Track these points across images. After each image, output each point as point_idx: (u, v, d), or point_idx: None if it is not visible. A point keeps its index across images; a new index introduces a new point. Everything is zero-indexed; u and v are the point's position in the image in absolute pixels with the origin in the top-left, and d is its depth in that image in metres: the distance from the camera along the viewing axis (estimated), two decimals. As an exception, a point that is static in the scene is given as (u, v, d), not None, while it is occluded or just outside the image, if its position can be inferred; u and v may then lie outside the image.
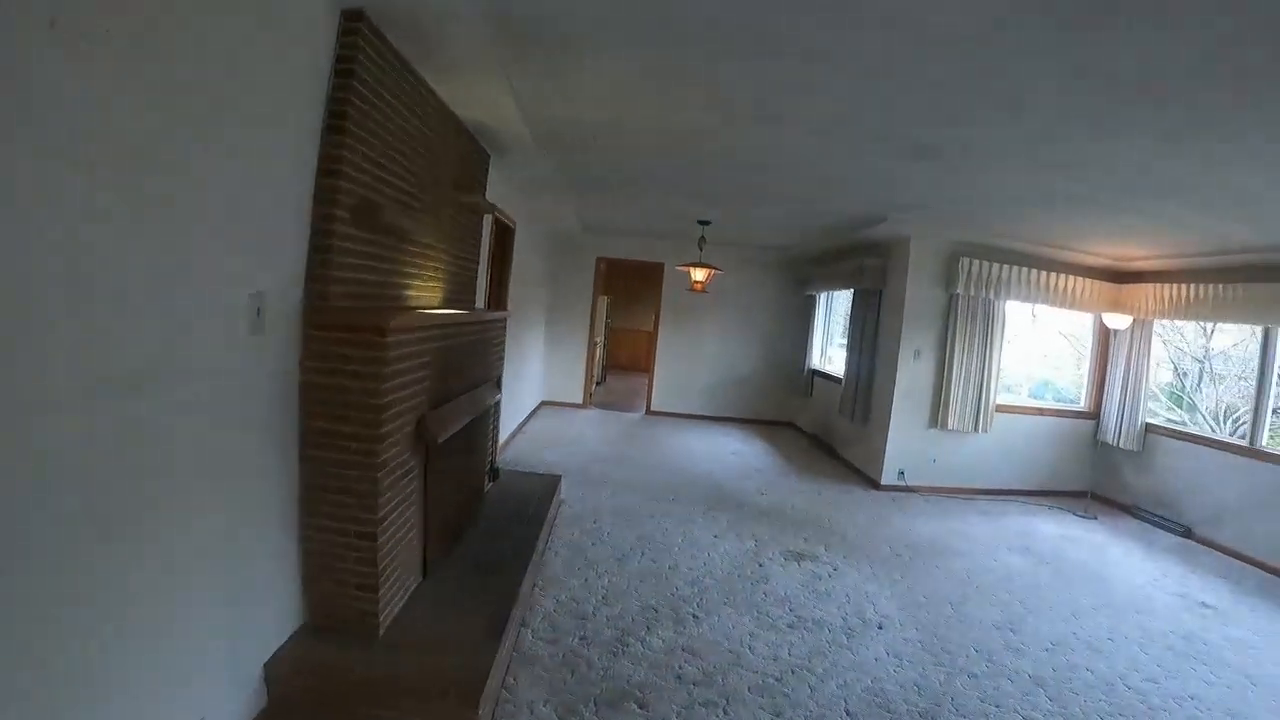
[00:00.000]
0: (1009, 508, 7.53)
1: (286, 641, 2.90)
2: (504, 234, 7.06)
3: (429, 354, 3.44)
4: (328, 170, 2.80)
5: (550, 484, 5.93)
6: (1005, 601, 4.95)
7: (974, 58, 2.95)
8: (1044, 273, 7.75)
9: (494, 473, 5.56)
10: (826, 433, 9.88)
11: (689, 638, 3.96)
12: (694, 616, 4.24)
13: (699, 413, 11.56)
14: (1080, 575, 5.68)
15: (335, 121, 2.82)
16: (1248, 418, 10.08)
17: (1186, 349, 10.16)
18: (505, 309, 6.85)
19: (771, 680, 3.58)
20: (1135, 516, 7.65)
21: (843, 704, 3.43)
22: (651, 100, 4.04)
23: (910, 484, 7.74)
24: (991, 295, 7.58)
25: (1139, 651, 4.38)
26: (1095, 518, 7.46)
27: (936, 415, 7.70)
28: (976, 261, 7.48)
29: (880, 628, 4.33)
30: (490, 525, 4.73)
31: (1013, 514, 7.31)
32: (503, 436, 7.49)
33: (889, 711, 3.40)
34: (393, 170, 3.34)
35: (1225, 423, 9.96)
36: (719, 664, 3.70)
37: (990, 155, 4.46)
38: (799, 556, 5.44)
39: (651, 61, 3.41)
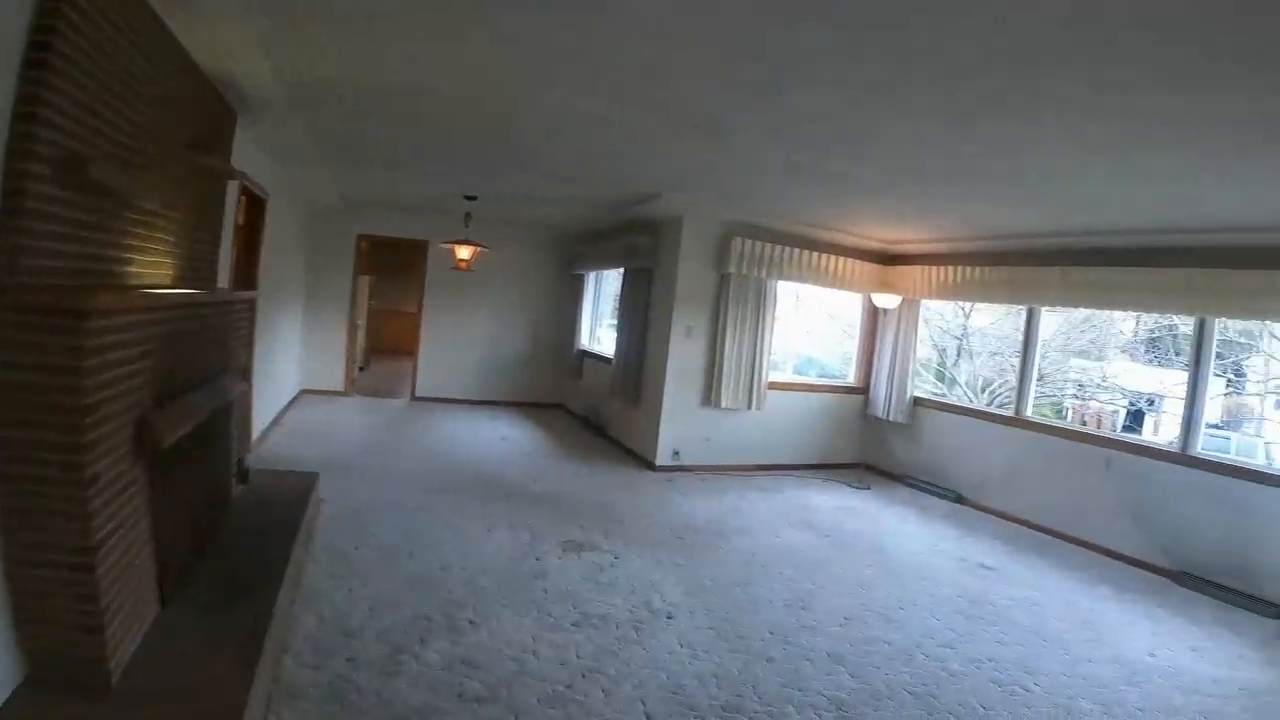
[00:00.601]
0: (785, 483, 7.87)
1: (4, 704, 2.36)
2: (255, 206, 6.40)
3: (152, 341, 2.92)
4: (24, 114, 2.24)
5: (308, 482, 5.40)
6: (792, 578, 5.10)
7: (751, 25, 2.89)
8: (816, 254, 8.14)
9: (243, 474, 4.97)
10: (597, 414, 9.93)
11: (468, 648, 3.69)
12: (471, 623, 3.97)
13: (467, 397, 11.31)
14: (862, 546, 6.00)
15: (37, 54, 2.26)
16: (1002, 390, 11.23)
17: (946, 327, 11.13)
18: (255, 289, 6.24)
19: (561, 688, 3.40)
20: (907, 485, 8.27)
21: (640, 706, 3.32)
22: (414, 58, 3.74)
23: (686, 464, 7.88)
24: (763, 275, 7.85)
25: (930, 618, 4.66)
26: (869, 488, 7.98)
27: (710, 394, 7.87)
28: (749, 241, 7.71)
29: (670, 617, 4.28)
30: (239, 536, 4.19)
31: (789, 489, 7.64)
32: (256, 431, 6.92)
33: (691, 709, 3.33)
34: (111, 120, 2.76)
35: (983, 394, 11.00)
36: (503, 675, 3.46)
37: (767, 130, 4.48)
38: (578, 547, 5.34)
39: (413, 12, 3.14)
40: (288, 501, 4.89)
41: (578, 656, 3.72)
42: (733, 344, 7.82)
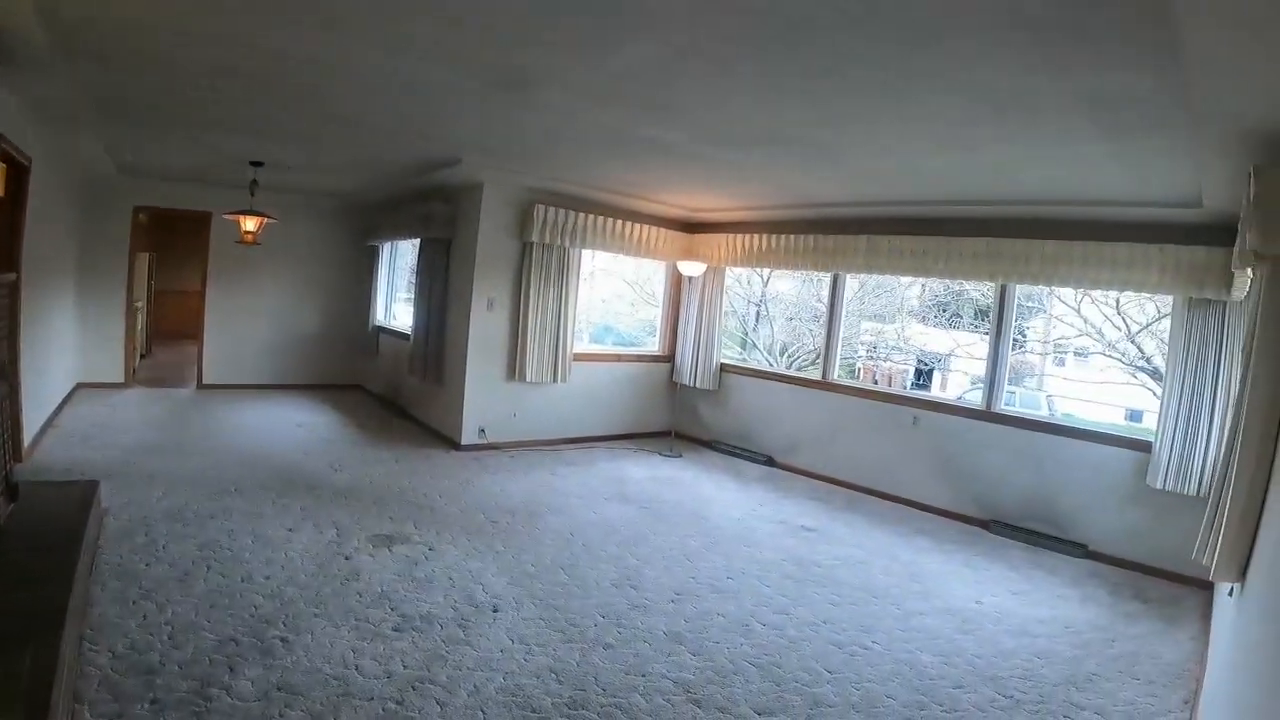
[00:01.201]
0: (596, 455, 7.85)
1: None
2: (17, 173, 5.40)
3: None
4: None
5: (87, 492, 4.64)
6: (617, 556, 5.06)
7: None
8: (620, 221, 8.13)
9: (11, 491, 4.20)
10: (397, 393, 9.57)
11: (283, 671, 3.29)
12: (283, 641, 3.56)
13: (259, 382, 10.51)
14: (682, 516, 6.06)
15: None
16: (800, 353, 11.84)
17: (746, 294, 11.55)
18: (15, 271, 5.49)
19: (392, 705, 3.10)
20: (718, 451, 8.47)
21: (480, 714, 3.11)
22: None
23: (493, 441, 7.70)
24: (566, 243, 7.74)
25: (760, 585, 4.76)
26: (681, 456, 8.09)
27: (514, 368, 7.72)
28: (552, 209, 7.57)
29: (496, 611, 4.09)
30: (9, 567, 3.47)
31: (601, 461, 7.62)
32: (27, 437, 6.06)
33: (533, 710, 3.16)
34: None
35: (782, 358, 11.54)
36: (326, 699, 3.10)
37: (578, 91, 4.28)
38: (389, 540, 5.01)
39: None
40: (66, 518, 4.15)
41: (404, 666, 3.44)
42: (536, 315, 7.69)
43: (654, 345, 9.37)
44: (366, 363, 10.87)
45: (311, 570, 4.45)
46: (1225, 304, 5.46)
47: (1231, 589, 3.49)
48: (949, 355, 12.46)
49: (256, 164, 7.56)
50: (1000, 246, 6.39)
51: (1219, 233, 5.28)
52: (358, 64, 4.09)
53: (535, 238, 7.52)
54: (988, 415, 6.79)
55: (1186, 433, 5.58)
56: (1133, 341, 9.47)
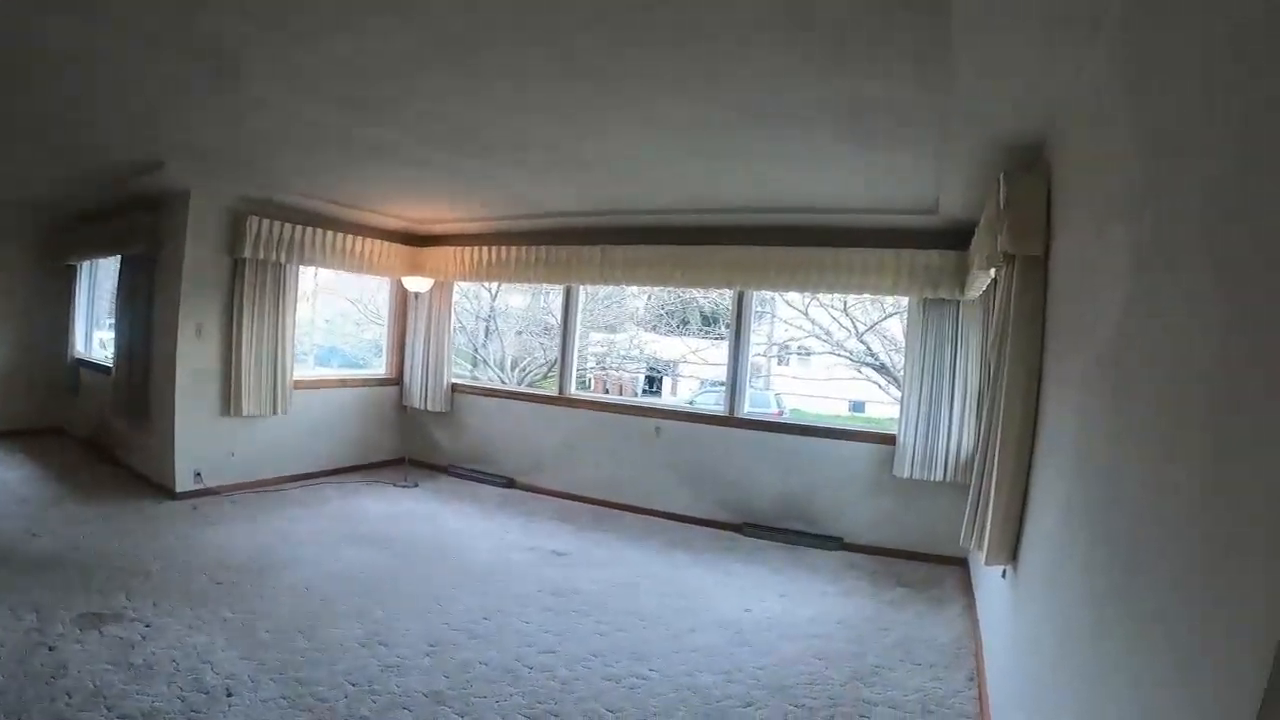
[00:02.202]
0: (326, 492, 7.29)
1: None
2: None
3: None
4: None
5: None
6: (361, 609, 4.59)
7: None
8: (342, 235, 7.65)
9: None
10: (103, 436, 8.28)
11: None
12: None
13: None
14: (426, 553, 5.70)
15: None
16: (531, 367, 11.76)
17: (474, 309, 11.33)
18: None
19: None
20: (454, 475, 8.18)
21: None
22: None
23: (211, 485, 6.88)
24: (283, 259, 7.12)
25: (520, 623, 4.52)
26: (417, 485, 7.72)
27: (230, 400, 6.97)
28: (267, 221, 6.92)
29: (230, 695, 3.52)
30: None
31: (334, 499, 7.08)
32: None
33: None
34: None
35: (513, 373, 11.40)
36: None
37: (294, 84, 3.86)
38: (98, 619, 4.20)
39: None
40: None
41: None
42: (251, 340, 7.00)
43: (381, 367, 8.90)
44: (67, 402, 9.33)
45: (10, 670, 3.63)
46: (958, 303, 5.96)
47: (1004, 571, 3.71)
48: (679, 361, 12.95)
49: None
50: (740, 255, 6.61)
51: (951, 237, 5.80)
52: (38, 35, 3.45)
53: (249, 254, 6.82)
54: (732, 420, 7.02)
55: (929, 424, 6.08)
56: (860, 340, 10.14)
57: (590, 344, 12.36)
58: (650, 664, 4.07)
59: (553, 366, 11.59)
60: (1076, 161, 3.00)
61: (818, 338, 10.61)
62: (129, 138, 5.27)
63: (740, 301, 7.13)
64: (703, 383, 13.35)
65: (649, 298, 12.20)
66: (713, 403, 12.43)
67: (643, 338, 12.54)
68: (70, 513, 6.17)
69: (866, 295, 7.16)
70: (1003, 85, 3.04)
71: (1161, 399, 1.81)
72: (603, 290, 11.44)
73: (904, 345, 6.85)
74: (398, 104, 4.09)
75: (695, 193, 5.79)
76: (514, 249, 7.72)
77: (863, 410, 12.39)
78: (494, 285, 10.83)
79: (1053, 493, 3.01)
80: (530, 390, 8.94)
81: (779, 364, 13.47)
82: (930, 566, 6.10)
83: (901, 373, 9.62)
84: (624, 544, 6.28)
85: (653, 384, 13.42)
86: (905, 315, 6.62)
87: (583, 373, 12.02)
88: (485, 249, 7.89)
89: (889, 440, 6.43)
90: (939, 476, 6.05)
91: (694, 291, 11.26)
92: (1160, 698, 1.58)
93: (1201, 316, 1.57)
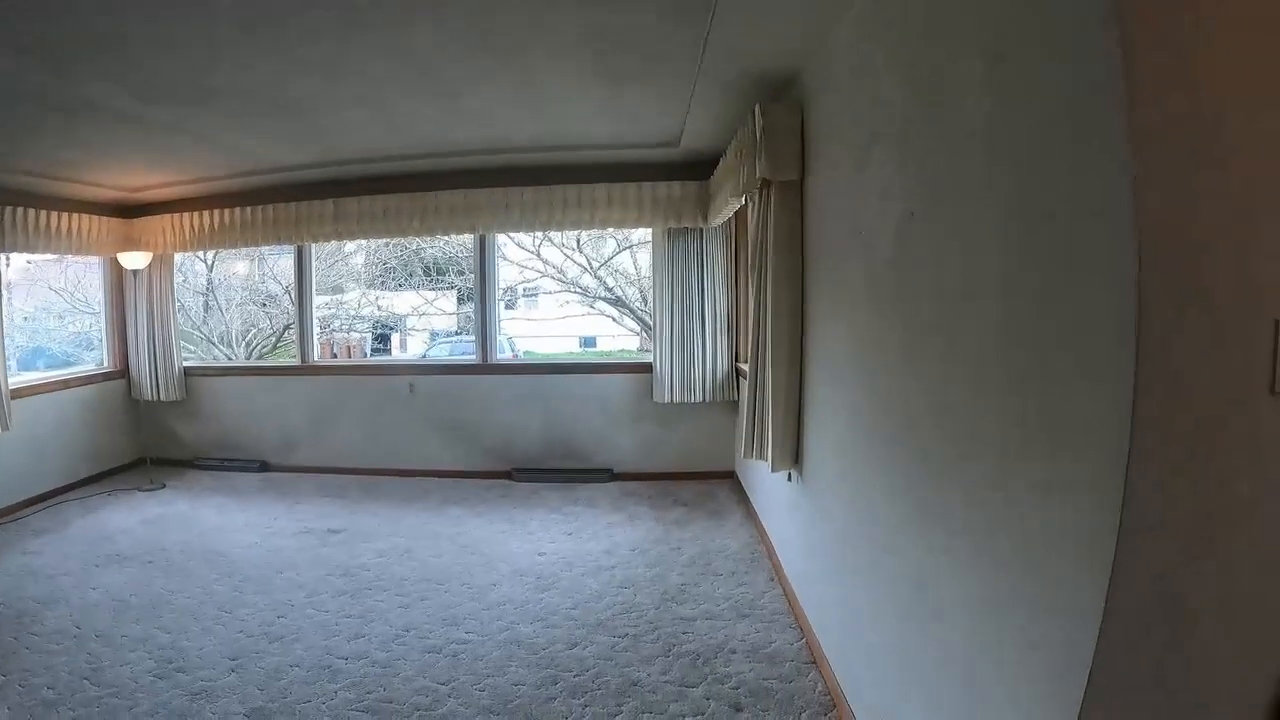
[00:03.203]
0: (67, 512, 6.54)
1: None
2: None
3: None
4: None
5: None
6: (143, 636, 4.09)
7: None
8: (45, 213, 6.70)
9: None
10: None
11: None
12: None
13: None
14: (194, 560, 5.25)
15: None
16: (258, 339, 11.22)
17: (189, 284, 10.61)
18: None
19: None
20: (202, 468, 7.72)
21: None
22: None
23: None
24: None
25: (318, 614, 4.32)
26: (164, 485, 7.18)
27: None
28: None
29: None
30: None
31: (75, 518, 6.34)
32: None
33: None
34: None
35: (239, 348, 10.82)
36: None
37: None
38: None
39: None
40: None
41: None
42: None
43: (96, 360, 8.09)
44: None
45: None
46: (701, 231, 6.31)
47: (790, 475, 4.10)
48: (406, 316, 12.80)
49: None
50: (481, 198, 6.61)
51: (691, 169, 6.16)
52: None
53: None
54: (486, 368, 7.12)
55: (683, 350, 6.45)
56: (595, 276, 10.42)
57: (315, 307, 11.94)
58: (464, 627, 4.10)
59: (281, 336, 11.22)
60: (836, 94, 3.29)
61: (551, 278, 10.80)
62: None
63: (483, 246, 7.16)
64: (434, 335, 13.28)
65: (366, 254, 11.93)
66: (447, 353, 12.49)
67: (369, 295, 12.25)
68: None
69: (612, 228, 7.33)
70: (762, 22, 3.27)
71: (941, 301, 2.17)
72: (323, 249, 11.04)
73: (650, 276, 7.15)
74: (105, 48, 3.57)
75: (432, 137, 5.68)
76: (237, 211, 7.21)
77: (594, 345, 12.85)
78: (210, 256, 10.18)
79: (832, 403, 3.39)
80: (268, 364, 8.52)
81: (506, 308, 13.63)
82: (700, 483, 6.59)
83: (638, 304, 10.16)
84: (397, 509, 6.23)
85: (384, 342, 13.21)
86: (651, 246, 6.88)
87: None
88: (206, 213, 7.29)
89: (645, 369, 6.81)
90: (698, 398, 6.48)
91: (421, 241, 11.15)
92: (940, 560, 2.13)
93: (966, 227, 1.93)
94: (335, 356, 11.33)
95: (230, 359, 10.19)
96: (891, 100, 2.56)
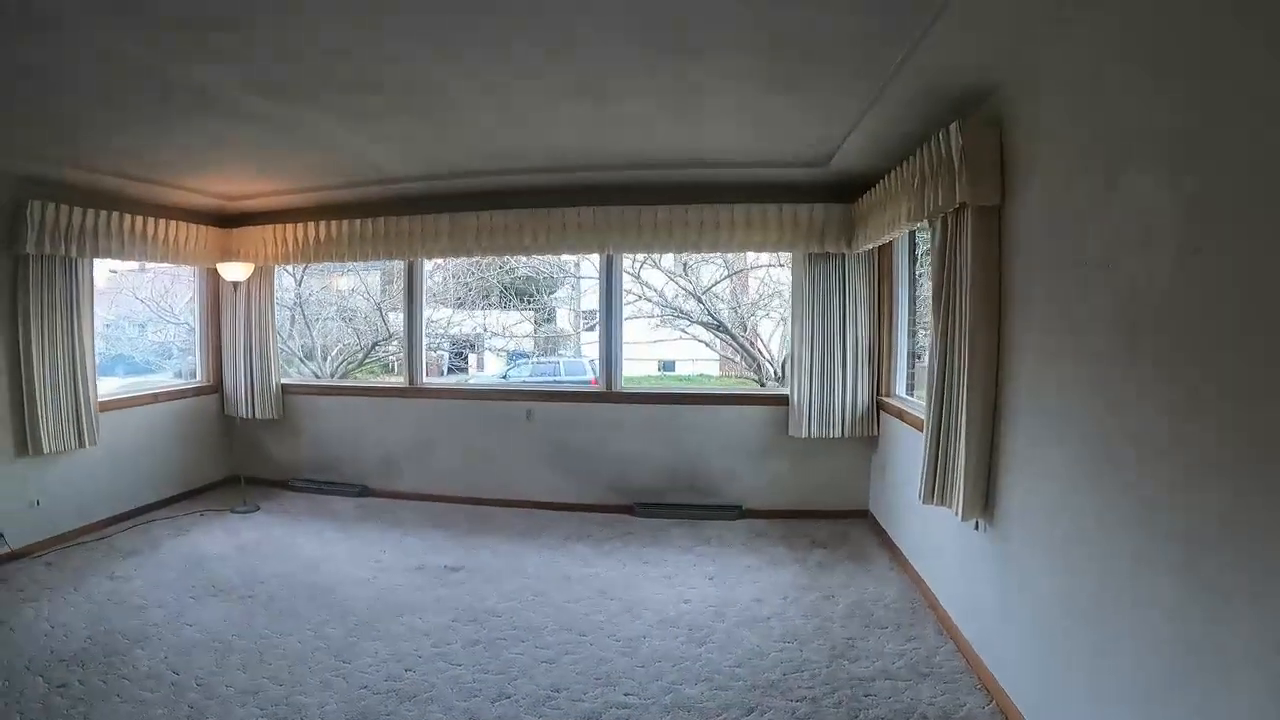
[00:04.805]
0: (157, 532, 6.51)
1: None
2: None
3: None
4: None
5: None
6: (250, 687, 3.89)
7: None
8: (142, 219, 6.71)
9: None
10: None
11: None
12: None
13: None
14: (299, 597, 5.08)
15: None
16: (341, 356, 11.30)
17: (278, 298, 10.77)
18: None
19: None
20: (298, 490, 7.72)
21: None
22: None
23: (16, 547, 5.87)
24: (75, 253, 6.19)
25: (450, 667, 4.10)
26: (258, 508, 7.17)
27: (25, 437, 6.01)
28: (53, 206, 5.98)
29: None
30: None
31: (166, 539, 6.30)
32: None
33: None
34: None
35: (326, 363, 10.90)
36: None
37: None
38: None
39: None
40: None
41: None
42: (43, 357, 6.09)
43: (175, 369, 8.16)
44: None
45: None
46: (844, 257, 6.18)
47: (977, 524, 3.92)
48: (486, 336, 12.89)
49: None
50: (609, 216, 6.53)
51: (834, 190, 6.03)
52: None
53: (32, 248, 5.89)
54: (609, 396, 7.01)
55: (822, 381, 6.29)
56: (699, 300, 10.33)
57: (394, 327, 12.05)
58: (621, 687, 3.88)
59: (369, 352, 11.30)
60: (1058, 109, 3.14)
61: (649, 300, 10.72)
62: None
63: (610, 266, 7.08)
64: (511, 356, 13.32)
65: (443, 274, 12.03)
66: (527, 374, 12.53)
67: (451, 315, 12.33)
68: None
69: (750, 251, 7.22)
70: (983, 31, 3.13)
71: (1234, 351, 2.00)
72: (395, 267, 11.14)
73: (789, 302, 7.01)
74: (234, 26, 3.29)
75: (562, 145, 5.50)
76: (345, 224, 7.21)
77: (673, 369, 12.78)
78: (299, 269, 10.27)
79: (1047, 456, 3.22)
80: (372, 384, 8.53)
81: (586, 330, 13.65)
82: (833, 522, 6.43)
83: (738, 330, 10.06)
84: (516, 545, 6.09)
85: (460, 360, 13.32)
86: (780, 271, 6.77)
87: (384, 357, 11.79)
88: (311, 225, 7.30)
89: (777, 401, 6.67)
90: (836, 433, 6.30)
91: (514, 261, 11.30)
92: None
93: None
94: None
95: (316, 375, 10.23)
96: (1153, 112, 2.42)
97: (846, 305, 6.25)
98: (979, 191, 3.63)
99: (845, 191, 5.97)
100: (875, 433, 6.35)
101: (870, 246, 5.78)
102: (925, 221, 4.25)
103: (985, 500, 3.82)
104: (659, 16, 3.18)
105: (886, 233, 5.13)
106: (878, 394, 6.34)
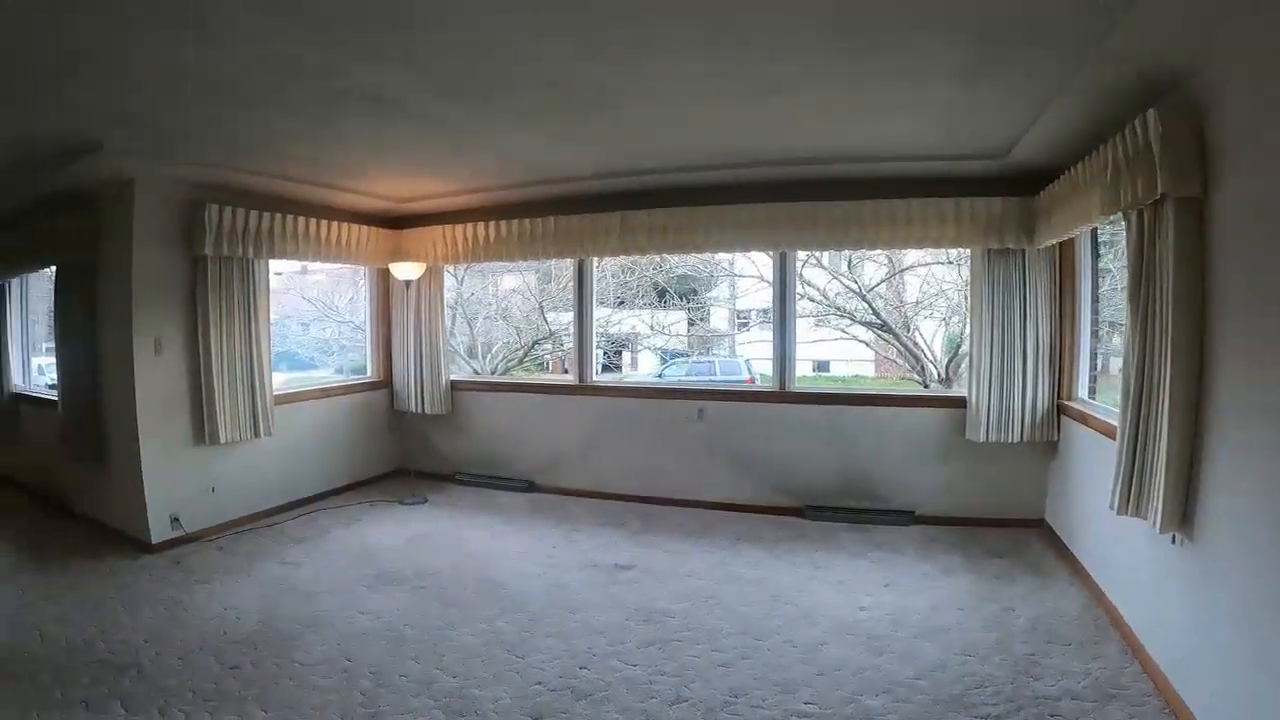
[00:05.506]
0: (325, 521, 6.85)
1: None
2: None
3: None
4: None
5: None
6: (425, 678, 3.98)
7: None
8: (315, 221, 7.10)
9: None
10: (51, 482, 7.60)
11: None
12: None
13: None
14: (470, 589, 5.19)
15: None
16: (501, 352, 11.62)
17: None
18: None
19: None
20: (463, 483, 7.99)
21: None
22: None
23: (192, 531, 6.26)
24: (251, 254, 6.55)
25: (626, 667, 4.09)
26: (426, 500, 7.43)
27: (204, 427, 6.39)
28: (229, 210, 6.32)
29: None
30: None
31: (334, 528, 6.62)
32: None
33: None
34: None
35: (487, 360, 11.22)
36: None
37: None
38: None
39: None
40: None
41: None
42: (222, 352, 6.47)
43: (336, 365, 8.54)
44: (8, 444, 8.54)
45: None
46: (1024, 253, 5.96)
47: (1174, 536, 3.71)
48: (639, 335, 13.00)
49: None
50: (780, 212, 6.47)
51: (1010, 183, 5.82)
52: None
53: (210, 250, 6.24)
54: (781, 396, 6.92)
55: (1002, 384, 6.08)
56: (864, 298, 10.16)
57: (552, 325, 12.32)
58: (801, 695, 3.80)
59: (529, 350, 11.57)
60: (1267, 96, 2.94)
61: (810, 299, 10.60)
62: (50, 107, 4.44)
63: (783, 264, 7.03)
64: (664, 355, 13.38)
65: (602, 273, 12.22)
66: (683, 374, 12.56)
67: (606, 314, 12.51)
68: (27, 588, 5.38)
69: (927, 247, 7.02)
70: (1185, 9, 2.97)
71: None
72: (546, 266, 11.45)
73: (953, 301, 6.83)
74: (408, 25, 3.33)
75: (733, 142, 5.48)
76: (515, 223, 7.40)
77: (827, 370, 12.59)
78: (461, 269, 10.59)
79: (1256, 468, 3.01)
80: (546, 380, 8.75)
81: (741, 328, 13.60)
82: (1008, 531, 6.20)
83: (900, 329, 9.85)
84: (684, 544, 6.10)
85: (614, 358, 13.49)
86: (968, 267, 6.58)
87: (539, 356, 12.08)
88: (481, 225, 7.54)
89: (952, 404, 6.49)
90: (1014, 437, 6.07)
91: (672, 260, 11.49)
92: None
93: None
94: (566, 371, 11.60)
95: (477, 372, 10.54)
96: None
97: (1026, 303, 6.01)
98: (1181, 182, 3.43)
99: (1024, 184, 5.73)
100: (1054, 438, 6.08)
101: (1053, 241, 5.55)
102: (1119, 214, 4.05)
103: (1184, 512, 3.62)
104: (850, 4, 3.10)
105: (1075, 227, 4.91)
106: (1058, 397, 6.07)
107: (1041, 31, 3.34)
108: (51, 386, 7.90)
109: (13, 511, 7.44)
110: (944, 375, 9.69)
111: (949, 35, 3.42)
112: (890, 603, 4.88)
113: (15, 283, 8.71)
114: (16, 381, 8.66)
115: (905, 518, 6.49)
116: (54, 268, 6.99)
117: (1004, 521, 6.33)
